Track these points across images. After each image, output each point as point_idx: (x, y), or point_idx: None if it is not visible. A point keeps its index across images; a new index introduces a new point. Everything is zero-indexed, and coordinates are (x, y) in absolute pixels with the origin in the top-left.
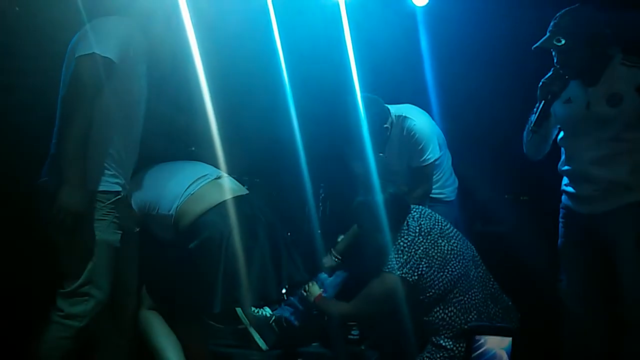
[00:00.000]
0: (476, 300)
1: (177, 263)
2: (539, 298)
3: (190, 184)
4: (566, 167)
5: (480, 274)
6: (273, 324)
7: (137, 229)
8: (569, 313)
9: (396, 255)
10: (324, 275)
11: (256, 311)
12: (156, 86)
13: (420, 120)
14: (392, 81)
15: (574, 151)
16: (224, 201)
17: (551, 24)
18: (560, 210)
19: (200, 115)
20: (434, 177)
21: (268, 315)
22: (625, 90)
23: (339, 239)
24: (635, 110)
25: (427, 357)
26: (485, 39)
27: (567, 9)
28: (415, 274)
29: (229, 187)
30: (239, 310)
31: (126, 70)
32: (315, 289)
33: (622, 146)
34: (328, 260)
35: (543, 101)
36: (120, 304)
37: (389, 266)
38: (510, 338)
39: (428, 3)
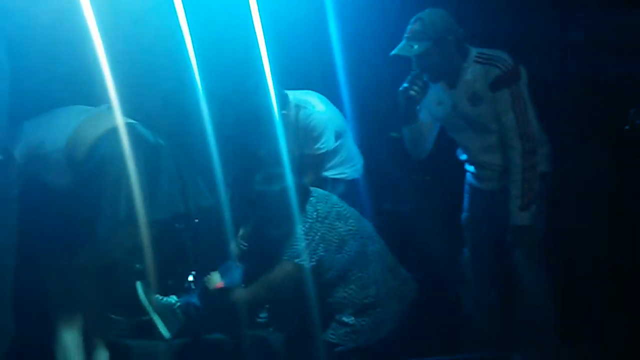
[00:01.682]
0: (375, 275)
1: (77, 197)
2: (442, 270)
3: (78, 114)
4: (463, 156)
5: (378, 248)
6: (178, 310)
7: (15, 192)
8: (468, 283)
9: (294, 243)
10: (229, 262)
11: (160, 298)
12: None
13: (317, 109)
14: (301, 66)
15: (461, 143)
16: (122, 125)
17: (407, 29)
18: (465, 186)
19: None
20: (334, 160)
21: (173, 301)
22: (482, 88)
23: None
24: (495, 104)
25: (331, 334)
26: (394, 24)
27: (418, 14)
28: (314, 259)
29: (120, 116)
30: (142, 296)
31: None
32: (215, 278)
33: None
34: (234, 247)
35: (403, 106)
36: None
37: (288, 254)
38: None
39: None
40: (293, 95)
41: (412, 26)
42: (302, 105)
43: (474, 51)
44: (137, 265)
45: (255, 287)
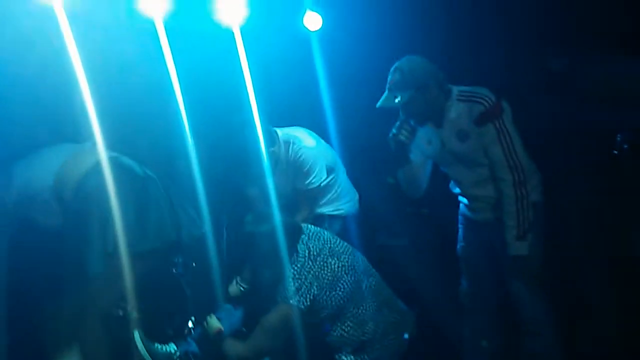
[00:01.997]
0: (371, 311)
1: (68, 234)
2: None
3: (63, 152)
4: (455, 190)
5: (373, 283)
6: (177, 359)
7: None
8: (468, 314)
9: (288, 284)
10: (228, 306)
11: (160, 347)
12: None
13: (306, 144)
14: (289, 103)
15: (453, 177)
16: (107, 158)
17: (387, 80)
18: (459, 216)
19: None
20: (329, 195)
21: (172, 351)
22: (467, 124)
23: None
24: (481, 139)
25: None
26: (377, 59)
27: (395, 64)
28: (308, 299)
29: (105, 150)
30: (140, 346)
31: None
32: (214, 323)
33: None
34: (233, 289)
35: (394, 151)
36: None
37: (281, 295)
38: None
39: (321, 27)
40: (282, 132)
41: (392, 77)
42: (291, 141)
43: (455, 90)
44: (135, 314)
45: (254, 337)
